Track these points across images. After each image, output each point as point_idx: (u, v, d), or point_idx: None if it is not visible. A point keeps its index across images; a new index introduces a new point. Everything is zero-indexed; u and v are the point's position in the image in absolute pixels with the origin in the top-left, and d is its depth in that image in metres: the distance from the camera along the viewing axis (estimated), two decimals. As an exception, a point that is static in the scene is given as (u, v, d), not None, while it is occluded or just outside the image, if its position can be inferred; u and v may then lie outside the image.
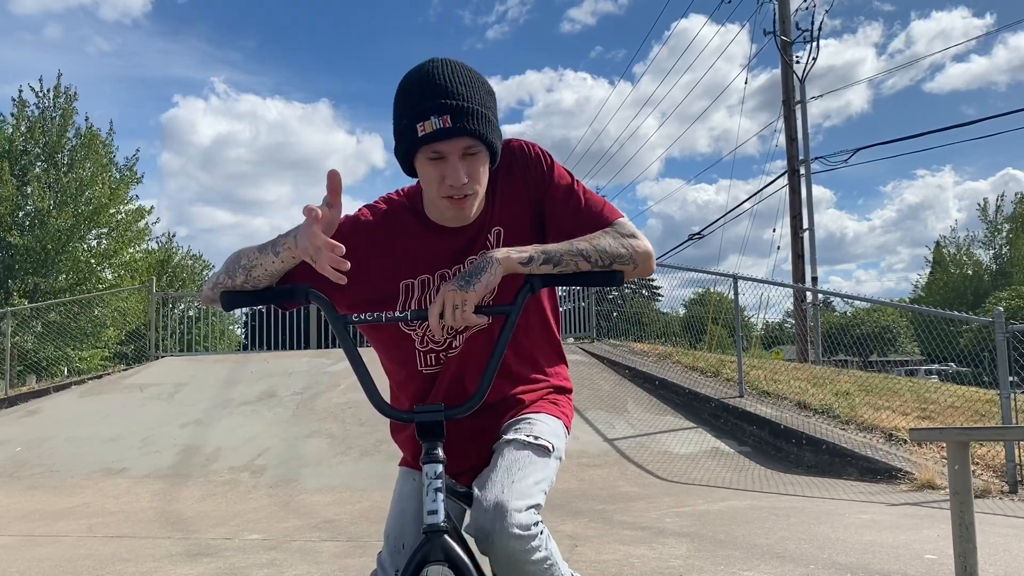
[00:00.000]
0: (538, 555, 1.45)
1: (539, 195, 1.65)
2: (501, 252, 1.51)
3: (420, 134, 1.45)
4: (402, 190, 1.72)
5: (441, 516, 1.38)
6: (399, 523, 1.69)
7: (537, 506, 1.49)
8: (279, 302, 1.59)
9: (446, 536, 1.37)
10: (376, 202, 1.71)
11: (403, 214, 1.65)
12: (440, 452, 1.43)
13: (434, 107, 1.44)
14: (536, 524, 1.46)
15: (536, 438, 1.61)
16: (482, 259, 1.50)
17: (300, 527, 5.45)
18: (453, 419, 1.45)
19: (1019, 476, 6.29)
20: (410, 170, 1.55)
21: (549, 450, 1.61)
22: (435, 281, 1.64)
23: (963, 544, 3.09)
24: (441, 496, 1.39)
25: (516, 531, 1.42)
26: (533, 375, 1.76)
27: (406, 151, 1.50)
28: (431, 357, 1.69)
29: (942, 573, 3.64)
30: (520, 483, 1.49)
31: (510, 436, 1.62)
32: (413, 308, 1.64)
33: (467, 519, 1.53)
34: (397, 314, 1.54)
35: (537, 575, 1.46)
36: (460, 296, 1.45)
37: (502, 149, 1.59)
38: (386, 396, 1.56)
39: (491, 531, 1.42)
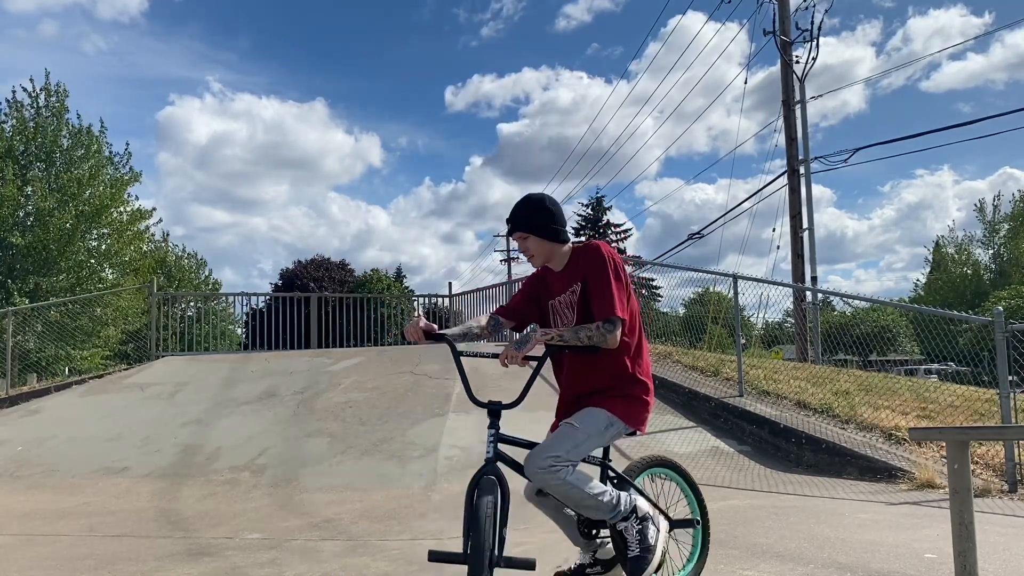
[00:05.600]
0: (557, 479, 2.72)
1: (589, 275, 2.95)
2: (539, 332, 2.87)
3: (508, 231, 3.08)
4: None
5: (492, 453, 2.76)
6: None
7: (556, 456, 2.74)
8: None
9: (495, 463, 2.74)
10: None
11: (543, 270, 3.15)
12: (499, 423, 2.81)
13: (509, 220, 3.06)
14: (552, 466, 2.72)
15: (572, 424, 2.88)
16: (526, 334, 2.88)
17: (300, 526, 5.46)
18: (507, 408, 2.83)
19: (1019, 475, 6.29)
20: None
21: (576, 427, 2.86)
22: (556, 305, 3.07)
23: (962, 543, 3.09)
24: (494, 444, 2.78)
25: (537, 471, 2.75)
26: (597, 380, 2.96)
27: None
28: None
29: (942, 572, 3.64)
30: (549, 446, 2.80)
31: (563, 421, 2.95)
32: (555, 322, 3.08)
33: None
34: (486, 351, 3.06)
35: (559, 488, 2.75)
36: (513, 354, 2.78)
37: (589, 246, 2.99)
38: (479, 395, 2.89)
39: (526, 471, 2.79)
